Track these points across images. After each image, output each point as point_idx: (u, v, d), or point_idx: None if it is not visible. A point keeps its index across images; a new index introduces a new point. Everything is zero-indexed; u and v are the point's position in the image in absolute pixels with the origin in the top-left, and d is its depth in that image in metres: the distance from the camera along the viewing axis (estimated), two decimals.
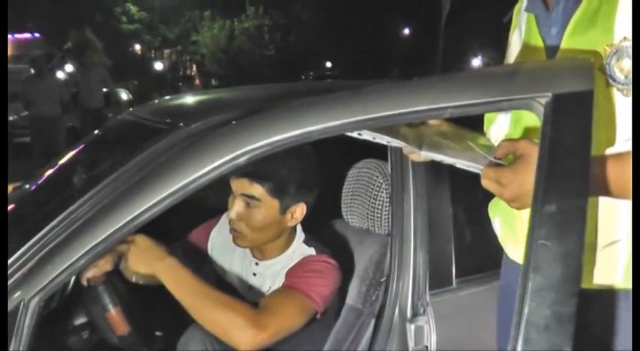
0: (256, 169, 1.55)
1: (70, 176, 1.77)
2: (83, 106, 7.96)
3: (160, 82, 24.09)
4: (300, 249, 1.67)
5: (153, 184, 1.15)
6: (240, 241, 1.62)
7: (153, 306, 1.83)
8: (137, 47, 26.46)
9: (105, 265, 1.58)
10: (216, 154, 1.09)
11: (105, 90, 8.30)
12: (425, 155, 1.21)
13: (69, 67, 14.18)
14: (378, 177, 1.80)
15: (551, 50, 1.17)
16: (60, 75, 10.93)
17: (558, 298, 0.90)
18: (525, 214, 1.01)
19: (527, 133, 1.18)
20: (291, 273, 1.59)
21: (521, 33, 1.27)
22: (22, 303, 1.14)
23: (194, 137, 1.38)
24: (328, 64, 28.01)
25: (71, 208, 1.36)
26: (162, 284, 1.55)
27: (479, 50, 21.41)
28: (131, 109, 2.04)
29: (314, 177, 1.65)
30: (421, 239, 1.52)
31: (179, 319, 1.96)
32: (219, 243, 1.79)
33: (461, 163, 1.16)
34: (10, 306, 1.14)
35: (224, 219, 1.82)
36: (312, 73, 21.77)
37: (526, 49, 1.25)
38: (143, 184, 1.19)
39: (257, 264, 1.68)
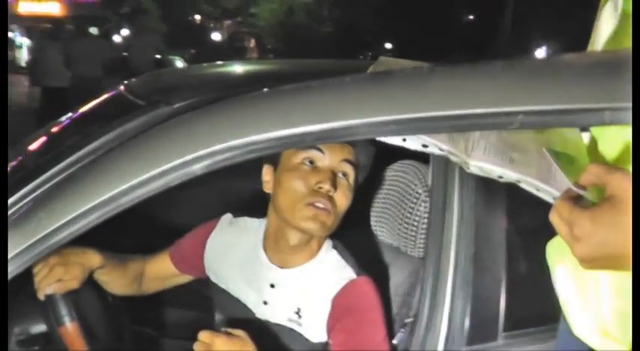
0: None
1: (44, 149, 1.52)
2: (132, 70, 7.87)
3: (217, 53, 24.11)
4: (330, 258, 1.35)
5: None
6: (323, 222, 1.26)
7: (119, 326, 1.56)
8: (197, 17, 26.56)
9: (70, 282, 1.32)
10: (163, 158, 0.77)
11: (158, 56, 8.20)
12: (476, 166, 0.85)
13: (125, 32, 14.22)
14: (416, 186, 1.45)
15: None
16: (116, 38, 10.95)
17: None
18: (604, 276, 0.71)
19: (624, 153, 0.81)
20: (342, 323, 1.28)
21: (617, 7, 0.89)
22: None
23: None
24: (388, 46, 27.34)
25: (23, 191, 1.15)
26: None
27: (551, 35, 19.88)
28: (127, 81, 1.75)
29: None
30: (462, 275, 1.16)
31: (134, 340, 1.70)
32: (222, 249, 1.46)
33: (527, 183, 0.80)
34: None
35: (224, 220, 1.51)
36: (370, 53, 21.33)
37: (623, 31, 0.86)
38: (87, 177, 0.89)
39: (277, 272, 1.35)
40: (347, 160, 1.29)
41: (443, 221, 1.21)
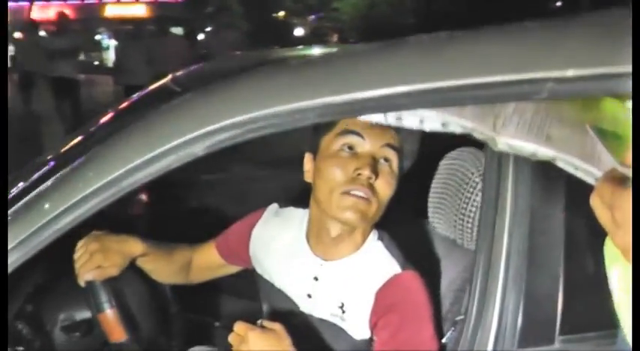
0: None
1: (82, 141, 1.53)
2: None
3: None
4: (375, 250, 1.27)
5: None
6: (362, 212, 1.19)
7: (166, 315, 1.54)
8: (280, 13, 26.86)
9: (110, 268, 1.32)
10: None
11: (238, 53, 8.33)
12: (505, 143, 0.74)
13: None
14: (473, 174, 1.35)
15: None
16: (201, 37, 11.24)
17: None
18: None
19: None
20: (386, 319, 1.21)
21: None
22: None
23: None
24: None
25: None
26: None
27: None
28: (176, 73, 1.73)
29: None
30: (515, 271, 1.04)
31: (190, 335, 1.68)
32: (267, 239, 1.42)
33: (565, 161, 0.69)
34: None
35: (270, 210, 1.46)
36: None
37: None
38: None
39: (321, 265, 1.29)
40: (389, 145, 1.20)
41: (495, 211, 1.09)
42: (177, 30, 11.38)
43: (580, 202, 1.04)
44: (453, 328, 1.22)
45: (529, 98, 0.66)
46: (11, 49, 8.46)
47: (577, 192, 1.03)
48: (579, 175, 0.71)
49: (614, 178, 0.59)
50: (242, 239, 1.46)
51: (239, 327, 1.09)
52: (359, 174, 1.17)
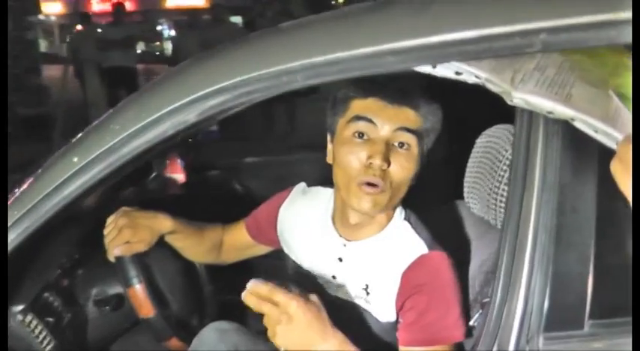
0: (418, 98, 1.15)
1: None
2: None
3: None
4: (400, 230, 1.23)
5: None
6: (376, 202, 1.15)
7: (190, 290, 1.54)
8: (340, 0, 26.73)
9: (138, 244, 1.33)
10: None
11: None
12: (521, 98, 0.69)
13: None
14: (507, 151, 1.28)
15: None
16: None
17: None
18: None
19: None
20: (412, 301, 1.17)
21: None
22: None
23: None
24: None
25: None
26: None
27: None
28: None
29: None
30: (542, 250, 0.97)
31: (219, 310, 1.67)
32: (292, 219, 1.40)
33: (584, 122, 0.64)
34: None
35: (297, 189, 1.44)
36: None
37: None
38: None
39: (345, 245, 1.26)
40: (404, 128, 1.14)
41: (523, 187, 1.03)
42: (237, 19, 11.45)
43: (612, 178, 0.97)
44: (480, 311, 1.17)
45: (522, 51, 0.61)
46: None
47: (609, 168, 0.96)
48: (599, 138, 0.65)
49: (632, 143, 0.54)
50: (270, 219, 1.45)
51: (279, 296, 1.01)
52: (371, 163, 1.12)
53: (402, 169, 1.14)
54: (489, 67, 0.67)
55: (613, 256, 0.99)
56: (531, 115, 0.99)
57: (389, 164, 1.13)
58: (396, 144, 1.14)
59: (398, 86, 1.14)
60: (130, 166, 0.96)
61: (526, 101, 0.69)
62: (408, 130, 1.14)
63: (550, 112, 0.67)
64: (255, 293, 1.02)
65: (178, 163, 2.15)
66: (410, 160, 1.15)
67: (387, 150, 1.13)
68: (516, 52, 0.62)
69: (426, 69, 0.69)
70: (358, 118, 1.14)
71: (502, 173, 1.28)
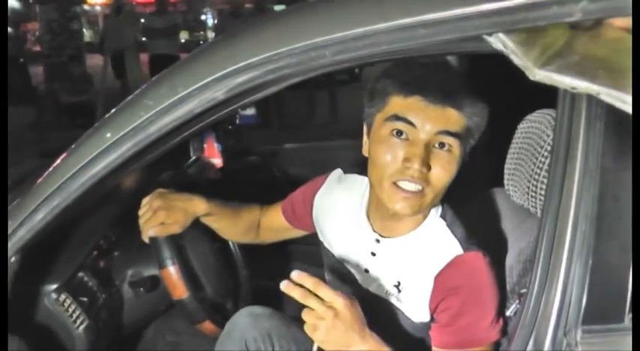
0: (462, 97, 1.08)
1: None
2: None
3: None
4: (435, 228, 1.20)
5: None
6: (413, 205, 1.11)
7: (225, 274, 1.54)
8: None
9: (172, 225, 1.33)
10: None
11: None
12: (544, 75, 0.65)
13: None
14: (549, 137, 1.23)
15: None
16: None
17: None
18: None
19: None
20: (446, 303, 1.14)
21: None
22: None
23: None
24: None
25: None
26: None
27: None
28: None
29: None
30: (582, 242, 0.93)
31: (255, 294, 1.66)
32: (327, 207, 1.38)
33: (610, 95, 0.60)
34: None
35: (333, 175, 1.41)
36: None
37: None
38: None
39: (378, 241, 1.23)
40: (446, 132, 1.08)
41: (564, 173, 0.98)
42: (280, 7, 11.43)
43: None
44: (517, 302, 1.13)
45: (561, 20, 0.56)
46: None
47: None
48: (626, 108, 0.60)
49: None
50: (306, 205, 1.43)
51: (324, 292, 1.01)
52: (408, 166, 1.07)
53: (444, 171, 1.10)
54: (519, 38, 0.63)
55: None
56: (574, 98, 0.95)
57: (429, 168, 1.08)
58: (437, 145, 1.09)
59: (440, 84, 1.08)
60: (163, 147, 0.96)
61: (549, 78, 0.65)
62: (450, 134, 1.08)
63: (574, 88, 0.63)
64: (300, 284, 1.01)
65: (215, 147, 2.16)
66: (452, 161, 1.10)
67: (427, 153, 1.07)
68: (555, 22, 0.58)
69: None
70: (397, 118, 1.09)
71: (543, 159, 1.24)
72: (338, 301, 1.01)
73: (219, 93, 0.74)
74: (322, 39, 0.64)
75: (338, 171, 1.42)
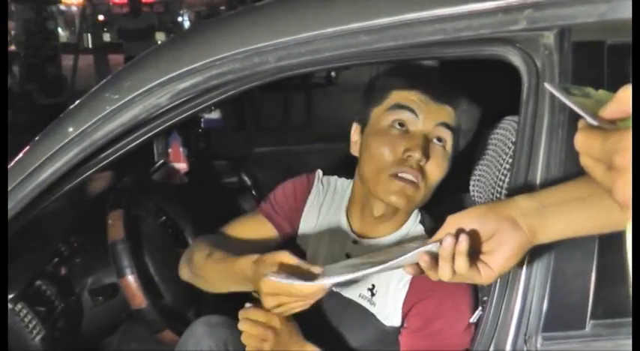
0: (460, 98, 1.15)
1: None
2: None
3: None
4: (413, 233, 1.20)
5: None
6: (409, 197, 1.12)
7: (187, 287, 1.51)
8: None
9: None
10: None
11: None
12: None
13: None
14: (513, 143, 1.23)
15: None
16: None
17: None
18: None
19: None
20: (420, 306, 1.14)
21: None
22: None
23: None
24: None
25: None
26: None
27: None
28: None
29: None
30: (543, 248, 0.92)
31: (217, 303, 1.63)
32: (315, 210, 1.33)
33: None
34: None
35: (317, 177, 1.37)
36: None
37: None
38: None
39: (355, 242, 1.23)
40: (444, 124, 1.12)
41: (526, 179, 0.98)
42: None
43: None
44: (480, 309, 1.13)
45: (505, 29, 0.55)
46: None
47: None
48: None
49: (592, 131, 0.49)
50: (297, 203, 1.36)
51: (257, 313, 1.07)
52: (409, 156, 1.09)
53: (438, 166, 1.13)
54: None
55: (617, 254, 0.93)
56: (536, 106, 0.95)
57: (427, 159, 1.10)
58: (435, 139, 1.13)
59: (440, 83, 1.13)
60: (121, 151, 0.93)
61: None
62: (448, 127, 1.12)
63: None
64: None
65: (181, 151, 2.13)
66: (445, 158, 1.14)
67: (427, 144, 1.11)
68: (499, 31, 0.57)
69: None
70: (399, 106, 1.12)
71: (506, 166, 1.23)
72: (274, 319, 1.04)
73: (163, 99, 0.72)
74: (265, 44, 0.63)
75: (319, 172, 1.39)
